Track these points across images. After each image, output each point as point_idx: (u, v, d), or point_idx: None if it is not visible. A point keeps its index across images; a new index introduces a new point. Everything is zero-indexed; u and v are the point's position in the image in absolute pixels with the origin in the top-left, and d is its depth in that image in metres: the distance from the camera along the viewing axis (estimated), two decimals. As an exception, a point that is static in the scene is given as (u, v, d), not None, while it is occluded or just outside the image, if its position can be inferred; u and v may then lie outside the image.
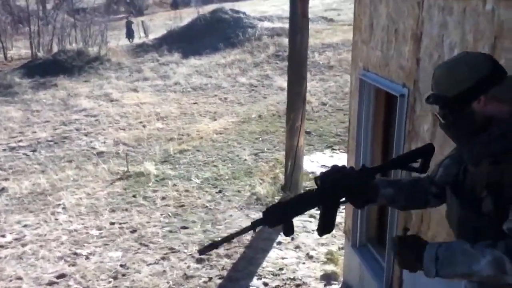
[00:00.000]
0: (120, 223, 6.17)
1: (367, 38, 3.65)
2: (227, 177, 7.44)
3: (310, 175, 7.25)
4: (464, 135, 1.59)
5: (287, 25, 19.66)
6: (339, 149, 8.33)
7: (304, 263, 5.01)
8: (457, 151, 1.80)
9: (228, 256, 5.18)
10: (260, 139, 9.14)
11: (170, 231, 5.87)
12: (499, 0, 2.08)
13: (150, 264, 5.16)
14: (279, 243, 5.45)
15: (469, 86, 1.49)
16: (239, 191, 6.93)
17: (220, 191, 6.98)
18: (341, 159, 7.89)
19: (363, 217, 4.01)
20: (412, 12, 2.91)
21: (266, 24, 19.76)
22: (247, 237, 5.59)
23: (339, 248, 5.25)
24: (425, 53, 2.77)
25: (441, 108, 1.60)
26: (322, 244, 5.37)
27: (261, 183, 6.98)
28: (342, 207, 5.40)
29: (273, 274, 4.81)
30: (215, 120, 10.73)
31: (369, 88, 3.71)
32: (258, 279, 4.74)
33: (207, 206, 6.51)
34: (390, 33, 3.23)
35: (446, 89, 1.54)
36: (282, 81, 13.62)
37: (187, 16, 24.08)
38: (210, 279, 4.78)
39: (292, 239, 5.51)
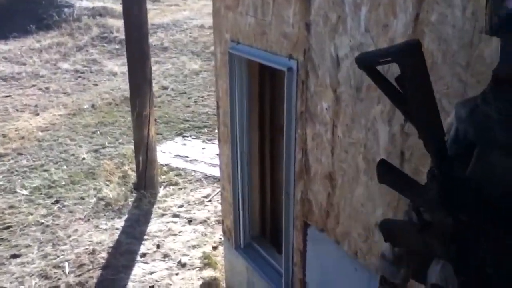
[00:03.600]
0: None
1: (233, 3, 3.04)
2: (63, 183, 6.18)
3: (165, 167, 6.48)
4: None
5: (108, 5, 18.04)
6: (190, 136, 7.69)
7: (177, 274, 4.31)
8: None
9: (81, 284, 4.17)
10: (98, 132, 7.93)
11: (-5, 265, 4.54)
12: None
13: (-29, 317, 3.86)
14: (143, 255, 4.63)
15: None
16: (82, 198, 5.79)
17: (57, 201, 5.74)
18: (194, 146, 7.30)
19: (245, 214, 3.49)
20: (295, -34, 2.39)
21: (85, 3, 17.69)
22: (102, 254, 4.62)
23: (214, 248, 4.69)
24: (318, 14, 2.29)
25: None
26: (194, 247, 4.73)
27: (108, 185, 5.95)
28: (206, 200, 4.74)
29: (142, 296, 4.01)
30: (38, 114, 9.02)
31: (240, 63, 3.13)
32: (124, 306, 3.89)
33: (43, 223, 5.26)
34: (265, -6, 2.68)
35: None
36: (113, 65, 12.34)
37: (-17, -7, 20.17)
38: (61, 321, 3.75)
39: (158, 247, 4.74)
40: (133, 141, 6.80)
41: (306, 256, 2.79)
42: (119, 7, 14.90)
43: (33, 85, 11.12)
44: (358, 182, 2.23)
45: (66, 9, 16.90)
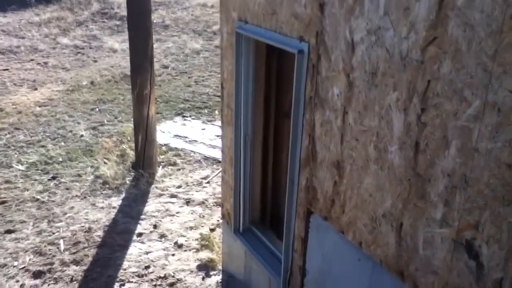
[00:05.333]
0: None
1: (243, -19, 2.93)
2: (60, 159, 6.11)
3: (164, 147, 6.41)
4: None
5: (111, -22, 17.60)
6: (190, 116, 7.59)
7: (173, 254, 4.27)
8: None
9: (76, 262, 4.13)
10: (97, 109, 7.83)
11: (-10, 240, 4.49)
12: None
13: (-36, 291, 3.81)
14: (140, 234, 4.58)
15: None
16: (79, 175, 5.72)
17: (53, 178, 5.68)
18: (194, 126, 7.21)
19: (246, 198, 3.43)
20: None
21: (86, -24, 17.37)
22: (98, 233, 4.58)
23: (211, 230, 4.65)
24: (333, -5, 2.19)
25: None
26: (191, 228, 4.68)
27: (106, 163, 5.88)
28: (205, 181, 4.68)
29: (138, 276, 3.97)
30: (36, 89, 8.89)
31: (247, 44, 3.03)
32: (120, 286, 3.85)
33: (38, 199, 5.20)
34: (278, -28, 2.57)
35: None
36: (113, 42, 12.16)
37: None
38: (56, 298, 3.72)
39: (155, 227, 4.70)
40: (132, 119, 6.71)
41: (307, 244, 2.74)
42: (120, -18, 14.64)
43: (32, 60, 10.96)
44: (367, 172, 2.16)
45: (66, -18, 16.60)
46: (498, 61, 1.48)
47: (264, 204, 3.62)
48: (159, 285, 3.85)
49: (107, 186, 5.47)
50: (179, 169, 5.94)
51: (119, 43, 11.99)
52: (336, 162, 2.37)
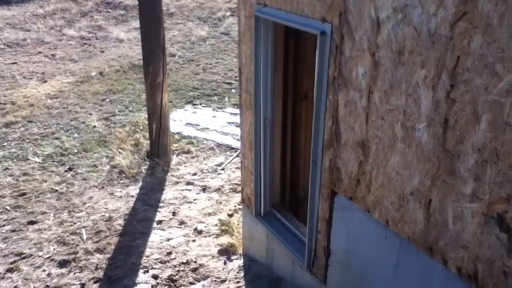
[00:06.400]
0: None
1: (259, -36, 2.92)
2: (75, 151, 6.16)
3: (176, 136, 6.44)
4: None
5: (114, -33, 17.41)
6: (200, 104, 7.61)
7: (194, 240, 4.33)
8: None
9: (99, 250, 4.19)
10: (108, 100, 7.86)
11: (13, 231, 4.56)
12: None
13: (-7, 281, 3.90)
14: (160, 221, 4.64)
15: None
16: (95, 166, 5.78)
17: (70, 169, 5.73)
18: (204, 114, 7.23)
19: (266, 182, 3.46)
20: None
21: (88, -33, 17.27)
22: (119, 221, 4.64)
23: (229, 215, 4.70)
24: (356, -25, 2.19)
25: None
26: (209, 214, 4.73)
27: (120, 153, 5.93)
28: (220, 168, 4.71)
29: (161, 262, 4.03)
30: (45, 82, 8.92)
31: (266, 27, 3.03)
32: (144, 272, 3.91)
33: (57, 190, 5.26)
34: (296, -46, 2.56)
35: None
36: (118, 32, 12.14)
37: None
38: (83, 285, 3.78)
39: (174, 214, 4.75)
40: (143, 109, 6.76)
41: (331, 224, 2.78)
42: (123, -28, 14.57)
43: (39, 52, 10.97)
44: (394, 150, 2.18)
45: (68, -27, 16.53)
46: (532, 34, 1.49)
47: (283, 187, 3.66)
48: (182, 270, 3.91)
49: (124, 175, 5.52)
50: (193, 157, 5.98)
51: (125, 32, 11.98)
52: (361, 142, 2.38)
